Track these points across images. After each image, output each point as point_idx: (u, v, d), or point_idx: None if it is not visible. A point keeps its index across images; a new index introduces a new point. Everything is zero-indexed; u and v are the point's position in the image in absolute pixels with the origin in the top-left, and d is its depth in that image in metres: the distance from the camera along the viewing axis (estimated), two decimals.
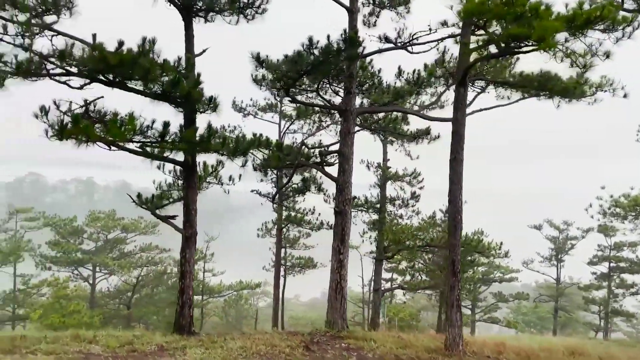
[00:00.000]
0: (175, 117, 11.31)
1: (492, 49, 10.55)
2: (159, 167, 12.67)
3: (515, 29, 7.58)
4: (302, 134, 26.61)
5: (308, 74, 12.53)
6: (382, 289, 25.92)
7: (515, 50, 8.73)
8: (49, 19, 10.17)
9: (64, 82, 9.45)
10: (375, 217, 25.30)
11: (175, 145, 10.00)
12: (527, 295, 41.73)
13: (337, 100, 15.87)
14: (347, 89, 14.31)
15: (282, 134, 26.38)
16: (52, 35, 10.13)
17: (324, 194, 22.25)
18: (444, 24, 10.92)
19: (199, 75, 10.18)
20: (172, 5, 11.48)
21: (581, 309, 45.44)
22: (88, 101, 9.54)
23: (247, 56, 12.49)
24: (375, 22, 15.75)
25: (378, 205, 25.01)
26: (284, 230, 27.97)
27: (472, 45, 10.70)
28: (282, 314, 27.95)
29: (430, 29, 12.71)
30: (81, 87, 9.70)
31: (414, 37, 13.37)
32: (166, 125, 9.66)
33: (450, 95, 18.12)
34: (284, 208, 26.48)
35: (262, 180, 26.00)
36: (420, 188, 24.64)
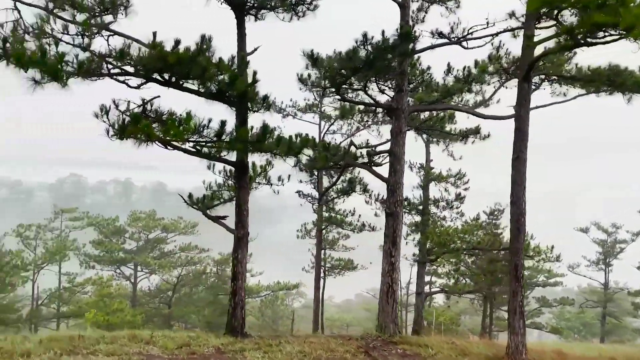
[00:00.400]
0: (225, 117, 11.15)
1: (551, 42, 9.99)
2: (208, 167, 12.57)
3: (601, 16, 7.04)
4: (342, 134, 26.36)
5: (361, 70, 12.18)
6: (425, 292, 25.29)
7: (594, 41, 8.16)
8: (106, 19, 10.16)
9: (123, 82, 9.42)
10: (417, 218, 24.71)
11: (231, 145, 9.83)
12: (572, 300, 40.14)
13: (382, 98, 15.47)
14: (398, 86, 13.85)
15: (322, 134, 26.12)
16: (109, 35, 10.12)
17: (367, 195, 21.83)
18: (512, 14, 10.35)
19: (255, 73, 9.97)
20: (224, 3, 11.34)
21: (630, 315, 43.50)
22: (145, 101, 9.50)
23: (299, 54, 12.22)
24: (423, 17, 15.34)
25: (421, 207, 24.42)
26: (323, 231, 27.67)
27: (537, 38, 10.12)
28: (322, 315, 27.66)
29: (487, 23, 12.16)
30: (138, 87, 9.66)
31: (470, 31, 12.85)
32: (223, 124, 9.50)
33: (499, 94, 17.50)
34: (324, 209, 26.19)
35: (301, 181, 25.98)
36: (466, 189, 23.89)
